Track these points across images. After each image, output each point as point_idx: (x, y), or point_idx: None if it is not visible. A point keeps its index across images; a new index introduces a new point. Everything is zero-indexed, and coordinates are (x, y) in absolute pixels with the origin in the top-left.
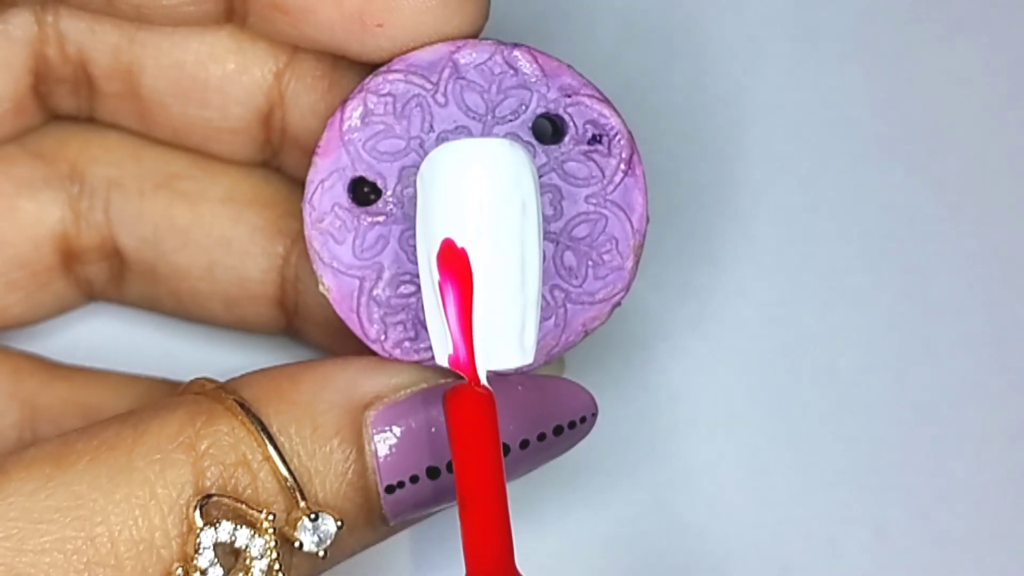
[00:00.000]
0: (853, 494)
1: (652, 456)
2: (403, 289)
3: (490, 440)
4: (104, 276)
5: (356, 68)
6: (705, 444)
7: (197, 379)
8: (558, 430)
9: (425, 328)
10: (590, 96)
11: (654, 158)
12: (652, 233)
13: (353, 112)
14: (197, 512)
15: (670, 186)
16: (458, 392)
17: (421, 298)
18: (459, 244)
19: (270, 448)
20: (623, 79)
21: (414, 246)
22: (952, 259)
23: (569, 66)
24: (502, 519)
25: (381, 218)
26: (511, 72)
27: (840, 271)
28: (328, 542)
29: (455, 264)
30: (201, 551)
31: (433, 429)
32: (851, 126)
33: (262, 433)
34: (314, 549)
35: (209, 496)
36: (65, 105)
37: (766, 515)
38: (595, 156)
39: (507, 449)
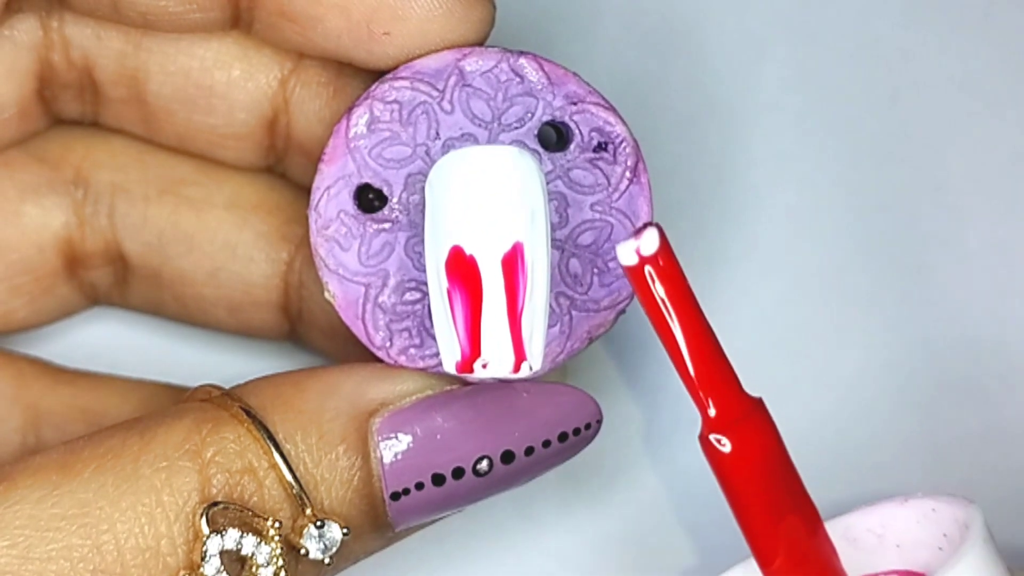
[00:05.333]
0: (853, 494)
1: (652, 456)
2: (408, 296)
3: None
4: (108, 281)
5: (361, 75)
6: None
7: (203, 386)
8: (563, 437)
9: (430, 335)
10: (596, 104)
11: (655, 159)
12: None
13: (359, 119)
14: (203, 519)
15: (671, 187)
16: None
17: (426, 305)
18: (467, 251)
19: (276, 455)
20: (624, 81)
21: (420, 253)
22: (952, 259)
23: (575, 74)
24: (717, 347)
25: (387, 225)
26: (517, 80)
27: (840, 271)
28: (334, 549)
29: (464, 271)
30: (207, 559)
31: (438, 436)
32: (851, 126)
33: (268, 440)
34: (320, 556)
35: (215, 503)
36: (70, 110)
37: None
38: (601, 164)
39: (512, 456)
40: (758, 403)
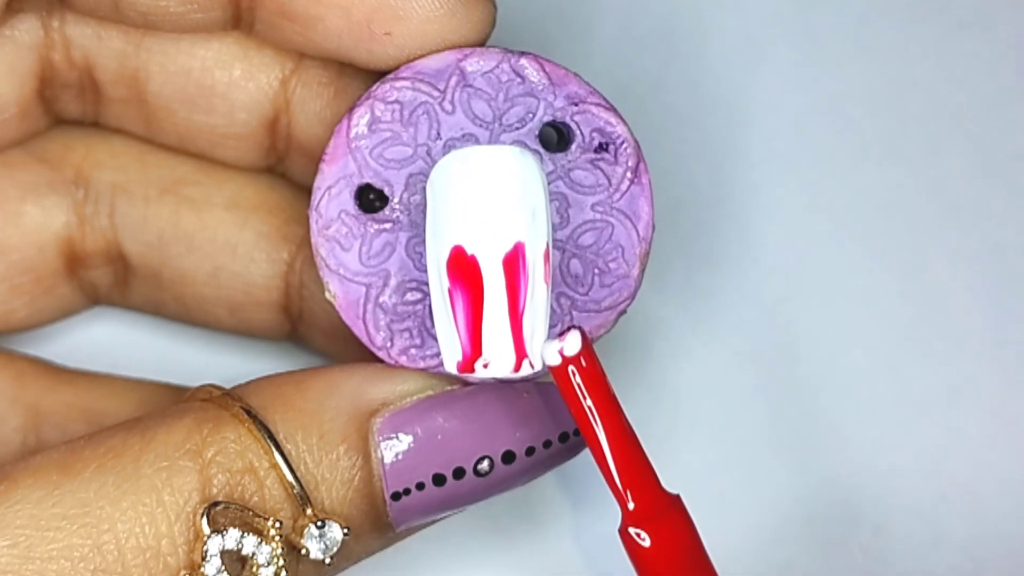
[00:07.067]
0: (853, 494)
1: (652, 456)
2: (409, 296)
3: (603, 390)
4: (108, 281)
5: (362, 75)
6: (705, 444)
7: (203, 386)
8: (564, 437)
9: (431, 335)
10: (597, 104)
11: (655, 159)
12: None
13: (360, 119)
14: (204, 519)
15: (671, 187)
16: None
17: (427, 305)
18: (469, 251)
19: (277, 455)
20: (624, 81)
21: (420, 253)
22: (952, 259)
23: (576, 74)
24: (637, 444)
25: (388, 225)
26: (518, 80)
27: (840, 271)
28: (334, 549)
29: (465, 271)
30: (208, 558)
31: (439, 436)
32: (851, 126)
33: (269, 440)
34: (320, 556)
35: (216, 503)
36: (70, 110)
37: (766, 515)
38: (602, 164)
39: (512, 456)
40: (676, 499)
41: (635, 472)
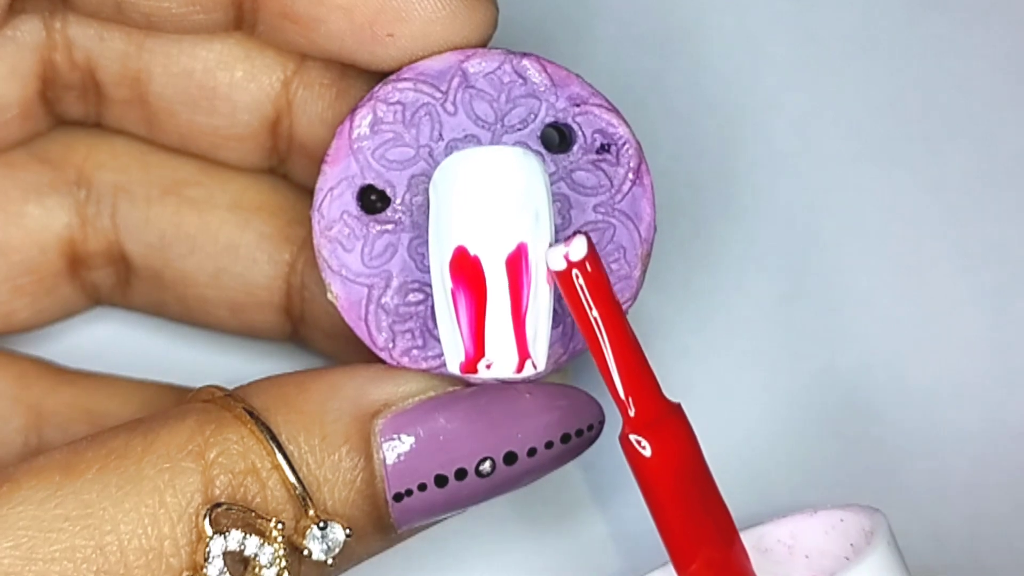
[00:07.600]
0: (853, 495)
1: None
2: (411, 297)
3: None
4: (110, 281)
5: (364, 76)
6: (706, 444)
7: (206, 387)
8: (566, 438)
9: (433, 336)
10: (598, 105)
11: (655, 160)
12: None
13: (362, 120)
14: (206, 520)
15: (671, 187)
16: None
17: (429, 306)
18: (472, 252)
19: (279, 456)
20: (624, 81)
21: (423, 254)
22: (952, 259)
23: (577, 75)
24: (639, 351)
25: (390, 226)
26: (520, 81)
27: (840, 271)
28: (336, 550)
29: (468, 272)
30: (211, 560)
31: (441, 437)
32: (851, 126)
33: (271, 441)
34: (322, 557)
35: (218, 504)
36: (72, 111)
37: (767, 516)
38: (603, 165)
39: (515, 457)
40: (676, 407)
41: (637, 379)
